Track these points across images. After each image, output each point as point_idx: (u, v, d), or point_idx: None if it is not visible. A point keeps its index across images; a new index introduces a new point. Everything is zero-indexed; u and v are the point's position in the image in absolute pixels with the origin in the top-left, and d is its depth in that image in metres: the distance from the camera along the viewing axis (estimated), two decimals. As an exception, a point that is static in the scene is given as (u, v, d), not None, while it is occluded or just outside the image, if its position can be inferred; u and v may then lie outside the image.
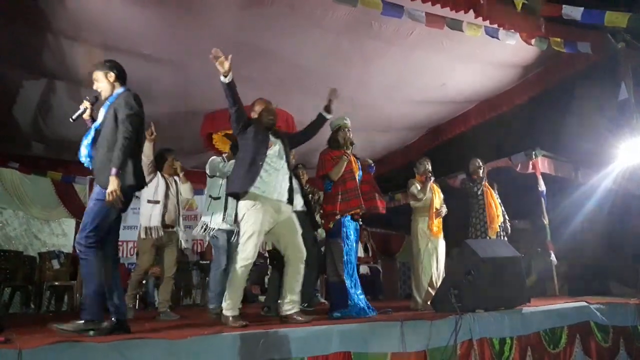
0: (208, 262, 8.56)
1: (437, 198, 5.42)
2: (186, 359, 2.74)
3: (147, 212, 5.05)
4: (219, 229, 4.96)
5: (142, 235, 4.99)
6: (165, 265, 5.21)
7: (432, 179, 5.46)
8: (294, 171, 4.72)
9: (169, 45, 5.65)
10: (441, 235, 5.35)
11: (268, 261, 8.89)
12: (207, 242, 10.35)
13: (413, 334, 3.46)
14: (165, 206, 5.09)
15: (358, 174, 4.66)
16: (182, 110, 7.21)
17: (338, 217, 4.40)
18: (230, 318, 3.63)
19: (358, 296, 4.38)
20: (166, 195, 5.14)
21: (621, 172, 6.67)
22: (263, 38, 5.65)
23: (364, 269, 8.92)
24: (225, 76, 3.92)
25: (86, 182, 8.73)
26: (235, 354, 2.87)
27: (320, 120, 4.34)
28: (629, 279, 6.81)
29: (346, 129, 4.66)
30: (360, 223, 4.69)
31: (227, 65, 3.87)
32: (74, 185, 9.06)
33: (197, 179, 10.18)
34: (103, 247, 3.21)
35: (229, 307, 3.68)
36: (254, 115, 4.17)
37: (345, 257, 4.39)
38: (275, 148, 3.94)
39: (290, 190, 3.94)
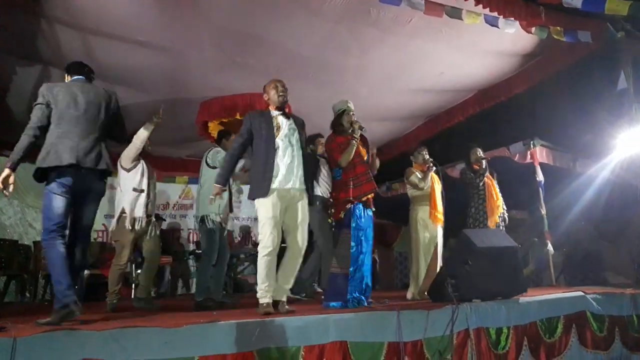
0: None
1: (437, 186, 5.38)
2: (182, 348, 2.74)
3: (131, 201, 4.82)
4: (215, 221, 4.96)
5: (128, 226, 4.75)
6: (148, 253, 4.97)
7: (434, 168, 5.35)
8: (312, 142, 4.62)
9: (164, 33, 5.58)
10: (441, 223, 5.31)
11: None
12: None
13: (410, 323, 3.46)
14: (148, 195, 4.92)
15: (367, 158, 4.53)
16: (178, 98, 7.15)
17: (349, 205, 4.27)
18: (261, 304, 3.69)
19: (358, 287, 4.24)
20: (148, 184, 4.95)
21: (619, 162, 6.66)
22: (259, 26, 5.59)
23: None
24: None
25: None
26: (231, 343, 2.86)
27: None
28: (625, 270, 6.83)
29: (350, 113, 4.52)
30: (373, 209, 4.50)
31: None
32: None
33: (193, 167, 10.22)
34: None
35: (260, 295, 3.75)
36: (265, 97, 4.19)
37: (354, 248, 4.23)
38: (284, 131, 3.95)
39: (304, 176, 3.95)
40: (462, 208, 6.00)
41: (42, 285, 7.65)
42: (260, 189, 3.80)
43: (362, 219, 4.33)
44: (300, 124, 4.13)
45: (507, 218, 6.08)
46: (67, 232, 3.34)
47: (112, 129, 3.66)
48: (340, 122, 4.53)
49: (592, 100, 6.81)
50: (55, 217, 3.26)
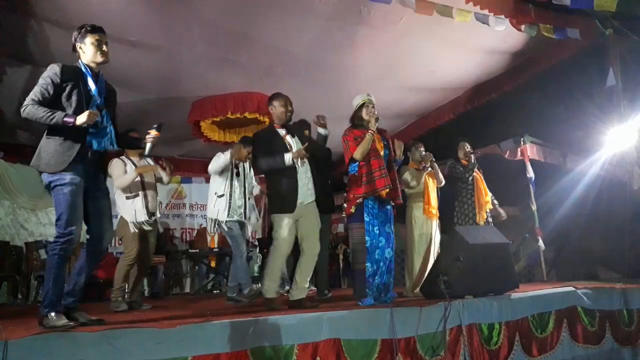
0: (197, 250, 8.54)
1: (432, 183, 5.37)
2: (175, 348, 2.73)
3: (129, 208, 4.88)
4: (230, 221, 5.19)
5: (132, 229, 4.83)
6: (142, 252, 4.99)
7: (429, 169, 5.28)
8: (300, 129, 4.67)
9: (155, 32, 5.56)
10: (435, 218, 5.30)
11: (258, 249, 8.94)
12: (196, 232, 10.37)
13: (403, 320, 3.47)
14: (145, 196, 4.94)
15: (384, 153, 4.43)
16: (169, 97, 7.13)
17: (360, 200, 4.23)
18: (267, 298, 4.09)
19: (378, 282, 4.22)
20: (142, 183, 4.95)
21: (609, 158, 6.72)
22: (251, 24, 5.58)
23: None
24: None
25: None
26: (225, 342, 2.86)
27: (321, 139, 4.44)
28: (615, 264, 6.88)
29: (370, 105, 4.44)
30: (392, 204, 4.43)
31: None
32: (60, 174, 8.94)
33: (185, 166, 10.20)
34: None
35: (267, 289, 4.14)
36: (272, 109, 4.32)
37: (368, 243, 4.21)
38: (294, 149, 4.14)
39: (315, 188, 4.22)
40: (451, 204, 5.99)
41: (34, 287, 7.61)
42: (283, 205, 4.09)
43: (376, 213, 4.28)
44: (300, 135, 4.33)
45: (499, 214, 6.07)
46: None
47: None
48: (360, 115, 4.45)
49: (581, 97, 6.86)
50: None
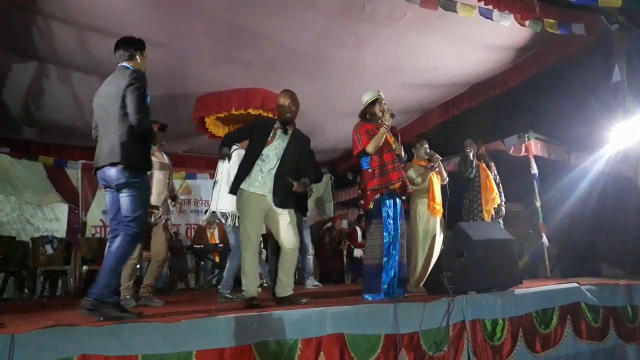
0: (202, 246, 8.57)
1: (437, 179, 5.37)
2: (180, 342, 2.75)
3: None
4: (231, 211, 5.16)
5: None
6: (154, 249, 5.00)
7: (436, 168, 5.28)
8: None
9: (159, 28, 5.57)
10: (440, 215, 5.29)
11: (262, 244, 8.96)
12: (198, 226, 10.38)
13: (406, 315, 3.49)
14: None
15: (395, 147, 4.47)
16: (174, 93, 7.15)
17: (378, 195, 4.25)
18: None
19: (392, 278, 4.27)
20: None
21: (613, 154, 6.69)
22: (254, 20, 5.59)
23: (358, 252, 8.98)
24: None
25: (78, 166, 8.70)
26: (229, 337, 2.88)
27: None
28: (619, 261, 6.86)
29: (383, 101, 4.47)
30: (403, 198, 4.48)
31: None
32: (66, 170, 9.00)
33: (190, 162, 10.22)
34: None
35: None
36: (276, 105, 4.29)
37: (386, 238, 4.26)
38: (276, 144, 4.07)
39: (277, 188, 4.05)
40: (458, 201, 6.02)
41: (40, 282, 7.67)
42: (235, 186, 4.05)
43: (392, 208, 4.33)
44: (299, 141, 4.22)
45: (503, 210, 6.10)
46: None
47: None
48: (373, 111, 4.46)
49: (586, 93, 6.82)
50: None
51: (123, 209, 3.28)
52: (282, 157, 4.06)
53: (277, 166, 4.03)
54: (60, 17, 5.28)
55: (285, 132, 4.15)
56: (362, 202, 4.42)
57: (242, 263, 4.01)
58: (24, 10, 5.11)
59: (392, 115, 4.38)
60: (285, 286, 4.05)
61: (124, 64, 3.48)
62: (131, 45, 3.52)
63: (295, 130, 4.23)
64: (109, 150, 3.25)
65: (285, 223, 4.02)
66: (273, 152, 4.06)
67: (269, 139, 4.06)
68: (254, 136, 4.16)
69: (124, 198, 3.28)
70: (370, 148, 4.29)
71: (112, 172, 3.25)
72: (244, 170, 4.03)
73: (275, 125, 4.15)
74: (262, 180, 4.00)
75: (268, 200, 4.00)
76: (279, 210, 4.01)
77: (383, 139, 4.31)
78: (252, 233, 3.97)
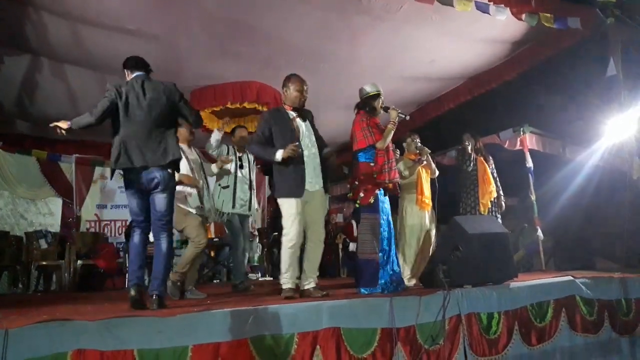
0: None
1: (426, 173, 5.36)
2: (176, 337, 2.74)
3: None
4: (232, 213, 5.24)
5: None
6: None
7: (424, 162, 5.23)
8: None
9: (154, 21, 5.54)
10: (428, 208, 5.27)
11: (258, 239, 8.96)
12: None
13: (402, 309, 3.49)
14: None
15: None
16: (169, 87, 7.10)
17: (377, 191, 4.28)
18: (284, 289, 3.91)
19: (389, 272, 4.30)
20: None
21: (608, 148, 6.71)
22: (250, 14, 5.55)
23: (353, 246, 8.98)
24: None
25: (72, 160, 8.64)
26: (225, 331, 2.87)
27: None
28: (613, 254, 6.91)
29: (381, 98, 4.48)
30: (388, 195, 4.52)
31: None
32: (60, 164, 8.93)
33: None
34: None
35: (284, 280, 3.95)
36: (285, 91, 4.17)
37: (383, 233, 4.31)
38: (303, 133, 4.05)
39: (324, 176, 4.10)
40: (455, 194, 6.03)
41: (34, 277, 7.63)
42: (291, 189, 3.95)
43: (384, 204, 4.39)
44: (311, 119, 4.19)
45: (503, 204, 6.10)
46: (147, 224, 3.59)
47: (180, 118, 3.73)
48: (374, 104, 4.44)
49: (581, 86, 6.85)
50: (132, 213, 3.62)
51: (161, 209, 3.51)
52: (312, 145, 4.07)
53: (313, 156, 4.05)
54: (53, 10, 5.23)
55: (304, 119, 4.12)
56: (361, 195, 4.30)
57: (284, 256, 3.97)
58: (17, 2, 5.06)
59: (399, 114, 4.35)
60: (311, 279, 4.08)
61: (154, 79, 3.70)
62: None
63: (307, 112, 4.21)
64: (161, 153, 3.47)
65: (322, 214, 4.12)
66: (306, 142, 4.04)
67: (295, 133, 4.00)
68: (277, 134, 4.01)
69: (163, 199, 3.51)
70: (381, 144, 4.27)
71: (159, 174, 3.46)
72: (296, 172, 3.94)
73: (291, 116, 4.08)
74: (315, 173, 4.02)
75: (312, 193, 4.01)
76: (320, 200, 4.09)
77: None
78: (301, 224, 3.97)
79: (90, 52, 5.79)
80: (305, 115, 4.15)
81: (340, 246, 9.36)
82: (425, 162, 5.26)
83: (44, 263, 7.34)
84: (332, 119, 8.00)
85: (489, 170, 6.00)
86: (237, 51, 6.29)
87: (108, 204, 8.97)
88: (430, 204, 5.25)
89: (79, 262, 7.28)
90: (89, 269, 7.38)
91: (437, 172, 5.41)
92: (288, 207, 3.93)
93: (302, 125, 4.09)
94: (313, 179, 4.01)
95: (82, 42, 5.73)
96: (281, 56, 6.46)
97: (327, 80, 6.93)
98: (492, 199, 5.91)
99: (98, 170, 8.95)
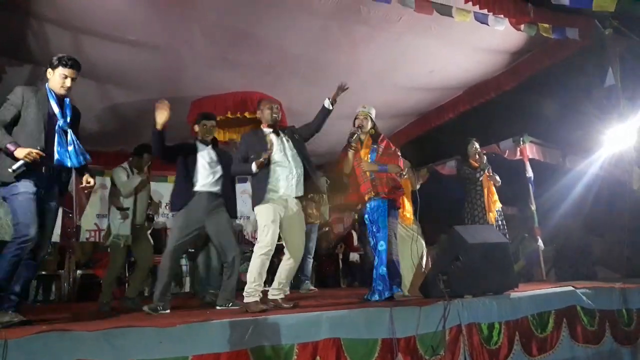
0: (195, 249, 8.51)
1: (408, 186, 5.23)
2: (175, 347, 2.74)
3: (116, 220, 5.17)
4: None
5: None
6: (139, 256, 5.33)
7: (405, 176, 5.09)
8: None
9: (154, 31, 5.55)
10: (410, 222, 5.14)
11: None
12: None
13: (402, 319, 3.48)
14: (134, 211, 5.28)
15: (369, 157, 4.66)
16: (168, 97, 7.08)
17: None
18: (251, 303, 3.75)
19: (384, 282, 4.39)
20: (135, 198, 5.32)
21: (608, 158, 6.72)
22: (250, 23, 5.58)
23: (353, 256, 8.98)
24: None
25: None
26: (225, 342, 2.87)
27: (323, 112, 4.40)
28: (614, 264, 6.89)
29: (355, 118, 4.82)
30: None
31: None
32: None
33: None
34: None
35: (249, 293, 3.84)
36: (259, 114, 4.37)
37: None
38: (276, 147, 4.14)
39: (299, 185, 4.15)
40: (457, 205, 5.97)
41: (34, 287, 7.60)
42: (264, 196, 4.00)
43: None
44: (290, 135, 4.31)
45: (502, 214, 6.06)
46: None
47: None
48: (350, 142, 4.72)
49: (580, 96, 6.87)
50: None
51: None
52: (291, 156, 4.16)
53: (290, 166, 4.12)
54: (55, 20, 5.26)
55: (277, 134, 4.24)
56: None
57: (254, 265, 3.96)
58: (18, 12, 5.08)
59: (359, 127, 4.73)
60: (281, 290, 4.16)
61: None
62: None
63: (283, 128, 4.39)
64: None
65: (300, 229, 4.19)
66: (280, 155, 4.12)
67: (268, 147, 4.10)
68: (251, 150, 4.15)
69: None
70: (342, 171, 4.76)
71: None
72: (261, 181, 4.03)
73: (266, 132, 4.24)
74: (280, 182, 4.06)
75: (288, 202, 4.09)
76: (298, 214, 4.15)
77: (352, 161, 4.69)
78: (275, 233, 4.03)
79: (92, 62, 5.80)
80: (281, 130, 4.32)
81: (341, 256, 9.34)
82: (406, 177, 5.22)
83: (44, 273, 7.32)
84: (331, 127, 8.02)
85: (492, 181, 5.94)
86: (237, 60, 6.31)
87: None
88: (412, 217, 5.18)
89: (79, 271, 7.27)
90: (88, 278, 7.37)
91: (418, 186, 5.46)
92: (262, 214, 4.00)
93: (276, 140, 4.20)
94: (288, 189, 4.07)
95: (82, 52, 5.74)
96: (281, 64, 6.48)
97: (327, 90, 6.92)
98: (499, 209, 5.83)
99: (98, 180, 8.94)
